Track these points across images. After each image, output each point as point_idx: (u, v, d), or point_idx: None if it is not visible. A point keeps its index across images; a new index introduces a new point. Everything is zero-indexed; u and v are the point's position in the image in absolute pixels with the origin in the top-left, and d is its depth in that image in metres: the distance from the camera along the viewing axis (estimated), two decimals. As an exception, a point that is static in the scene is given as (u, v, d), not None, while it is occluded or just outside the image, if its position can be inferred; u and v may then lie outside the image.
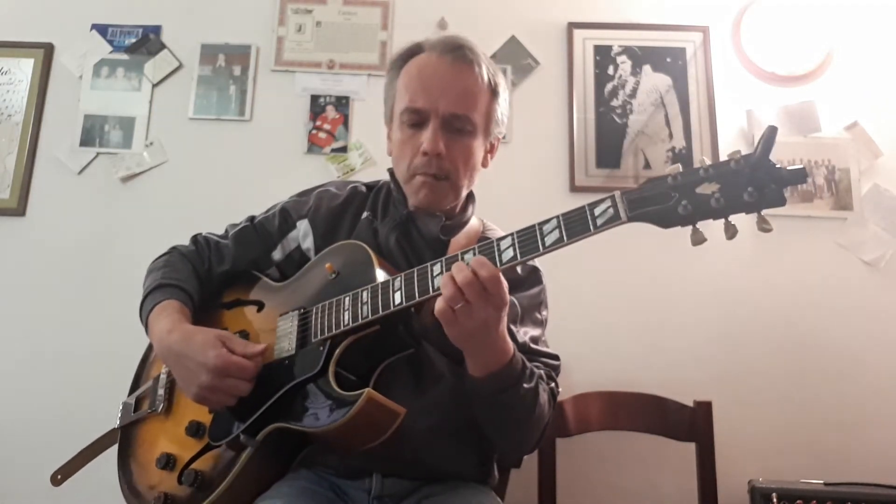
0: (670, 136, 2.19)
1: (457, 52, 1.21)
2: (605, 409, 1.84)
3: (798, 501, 1.70)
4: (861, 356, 2.04)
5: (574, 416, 1.82)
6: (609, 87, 2.25)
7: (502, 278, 0.98)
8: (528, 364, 1.12)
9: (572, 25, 2.28)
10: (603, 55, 2.27)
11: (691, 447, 1.79)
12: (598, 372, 2.01)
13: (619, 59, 2.26)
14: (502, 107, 1.27)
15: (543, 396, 1.16)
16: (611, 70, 2.26)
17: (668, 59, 2.25)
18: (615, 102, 2.23)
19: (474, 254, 1.00)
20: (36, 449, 2.03)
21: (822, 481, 1.78)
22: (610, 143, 2.20)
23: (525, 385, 1.10)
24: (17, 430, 2.06)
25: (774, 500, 1.71)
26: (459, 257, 1.01)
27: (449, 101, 1.18)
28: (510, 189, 2.09)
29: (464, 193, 1.27)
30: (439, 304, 0.97)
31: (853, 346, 2.04)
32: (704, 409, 1.79)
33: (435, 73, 1.20)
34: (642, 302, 2.09)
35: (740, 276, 2.10)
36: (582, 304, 2.07)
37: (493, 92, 1.25)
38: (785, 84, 2.22)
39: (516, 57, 2.28)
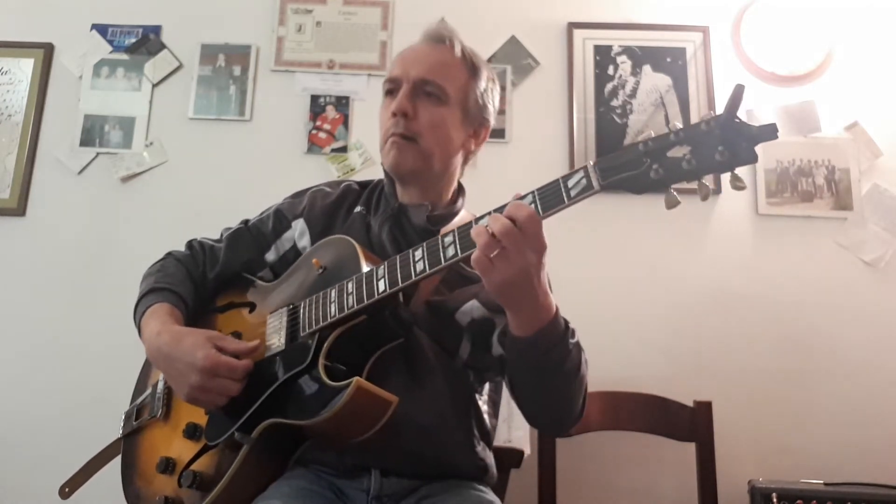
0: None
1: (434, 34, 1.29)
2: (605, 409, 1.84)
3: (798, 501, 1.70)
4: (861, 356, 2.04)
5: (574, 416, 1.82)
6: (609, 87, 2.25)
7: (540, 221, 0.94)
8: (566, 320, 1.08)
9: (572, 25, 2.28)
10: (603, 55, 2.27)
11: (691, 447, 1.79)
12: (598, 372, 1.99)
13: (619, 59, 2.26)
14: (484, 90, 1.29)
15: (583, 355, 1.12)
16: (611, 70, 2.26)
17: (668, 59, 2.25)
18: (615, 102, 2.24)
19: (454, 237, 0.99)
20: (37, 448, 2.03)
21: (822, 481, 1.78)
22: (610, 143, 2.20)
23: (571, 340, 1.06)
24: (17, 430, 2.06)
25: (774, 500, 1.71)
26: (440, 241, 1.00)
27: (420, 69, 1.23)
28: (510, 189, 2.08)
29: (437, 164, 1.25)
30: (476, 254, 0.93)
31: (853, 346, 2.04)
32: (704, 409, 1.79)
33: (412, 51, 1.29)
34: (642, 302, 2.09)
35: (740, 276, 2.10)
36: (582, 303, 2.05)
37: (472, 71, 1.27)
38: (785, 84, 2.22)
39: (516, 57, 2.28)
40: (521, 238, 0.92)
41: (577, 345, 1.09)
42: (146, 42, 2.31)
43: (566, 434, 1.80)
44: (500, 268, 0.93)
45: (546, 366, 1.06)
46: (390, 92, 1.26)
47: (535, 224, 0.93)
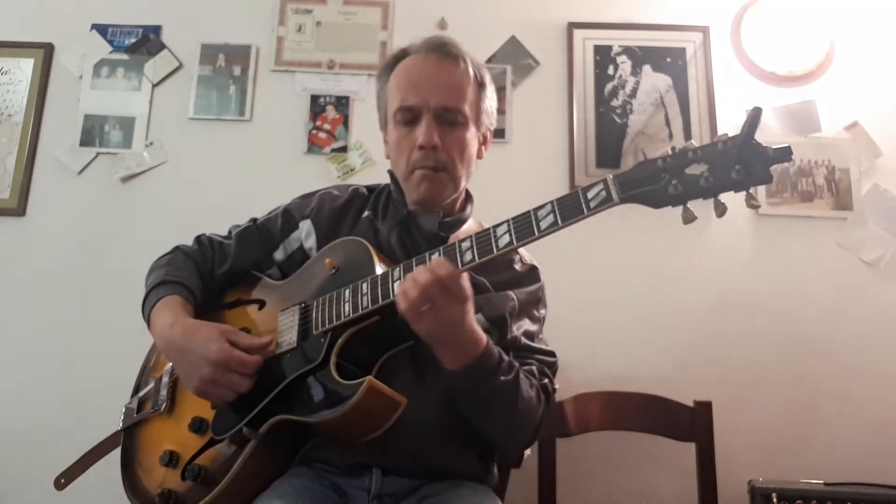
0: (670, 136, 2.19)
1: (441, 50, 1.26)
2: (605, 409, 1.84)
3: (798, 501, 1.70)
4: (861, 356, 2.04)
5: (574, 416, 1.82)
6: (609, 87, 2.25)
7: (463, 275, 1.02)
8: (505, 357, 1.14)
9: (572, 25, 2.28)
10: (603, 55, 2.27)
11: (691, 447, 1.79)
12: (598, 372, 2.01)
13: (619, 59, 2.26)
14: (490, 98, 1.31)
15: (529, 391, 1.16)
16: (611, 70, 2.26)
17: (668, 59, 2.25)
18: (615, 102, 2.24)
19: (471, 243, 1.02)
20: (37, 449, 2.03)
21: (822, 481, 1.78)
22: (610, 143, 2.20)
23: (502, 377, 1.11)
24: (17, 431, 2.06)
25: (774, 500, 1.71)
26: (457, 247, 1.03)
27: (439, 96, 1.22)
28: (510, 189, 2.08)
29: (462, 184, 1.29)
30: (403, 306, 1.01)
31: (853, 346, 2.04)
32: (704, 409, 1.79)
33: (423, 71, 1.25)
34: (642, 302, 2.09)
35: (740, 276, 2.10)
36: (582, 304, 2.07)
37: (480, 84, 1.29)
38: (785, 84, 2.22)
39: (516, 57, 2.28)
40: (447, 292, 0.99)
41: (514, 381, 1.13)
42: (146, 42, 2.31)
43: (565, 435, 1.81)
44: (428, 320, 1.01)
45: (476, 398, 1.12)
46: (406, 119, 1.24)
47: (456, 281, 1.00)
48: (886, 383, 2.02)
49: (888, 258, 2.11)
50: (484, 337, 1.10)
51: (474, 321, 1.07)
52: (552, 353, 1.28)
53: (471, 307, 1.05)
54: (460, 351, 1.08)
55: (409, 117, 1.24)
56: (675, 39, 2.27)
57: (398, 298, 1.02)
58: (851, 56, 2.22)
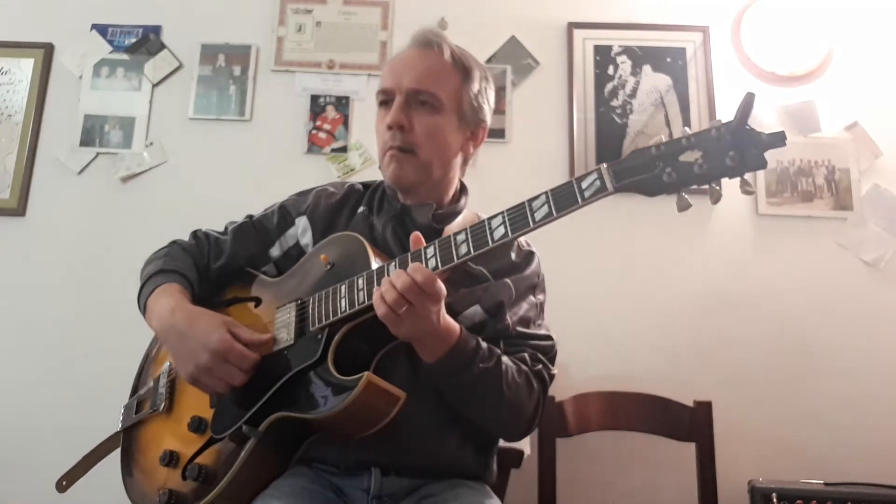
0: (670, 136, 2.18)
1: (422, 40, 1.27)
2: (605, 409, 1.84)
3: (798, 501, 1.70)
4: (861, 356, 2.04)
5: (574, 416, 1.82)
6: (609, 87, 2.25)
7: (436, 278, 1.02)
8: (483, 344, 1.14)
9: (572, 25, 2.28)
10: (603, 55, 2.27)
11: (691, 447, 1.79)
12: (598, 372, 2.01)
13: (619, 59, 2.26)
14: (477, 91, 1.29)
15: (517, 378, 1.16)
16: (611, 70, 2.26)
17: (668, 59, 2.25)
18: (615, 102, 2.24)
19: (466, 235, 1.02)
20: (37, 450, 2.03)
21: (822, 481, 1.78)
22: (610, 142, 2.20)
23: (482, 365, 1.11)
24: (18, 431, 2.06)
25: (774, 500, 1.71)
26: (452, 239, 1.03)
27: (411, 78, 1.23)
28: (510, 189, 2.08)
29: (436, 172, 1.27)
30: (382, 310, 1.02)
31: (853, 346, 2.04)
32: (704, 409, 1.79)
33: (401, 59, 1.28)
34: (642, 302, 2.09)
35: (740, 276, 2.10)
36: (582, 304, 2.07)
37: (464, 74, 1.27)
38: (785, 84, 2.22)
39: (516, 57, 2.28)
40: (423, 295, 1.00)
41: (496, 368, 1.13)
42: (146, 42, 2.31)
43: (565, 435, 1.81)
44: (407, 322, 1.02)
45: (457, 387, 1.12)
46: (384, 103, 1.26)
47: (433, 283, 1.01)
48: (886, 383, 2.02)
49: (888, 258, 2.11)
50: (457, 327, 1.11)
51: (446, 314, 1.08)
52: (548, 338, 1.27)
53: (443, 304, 1.06)
54: (435, 344, 1.09)
55: (384, 99, 1.25)
56: (675, 39, 2.27)
57: (376, 304, 1.02)
58: (851, 56, 2.22)
